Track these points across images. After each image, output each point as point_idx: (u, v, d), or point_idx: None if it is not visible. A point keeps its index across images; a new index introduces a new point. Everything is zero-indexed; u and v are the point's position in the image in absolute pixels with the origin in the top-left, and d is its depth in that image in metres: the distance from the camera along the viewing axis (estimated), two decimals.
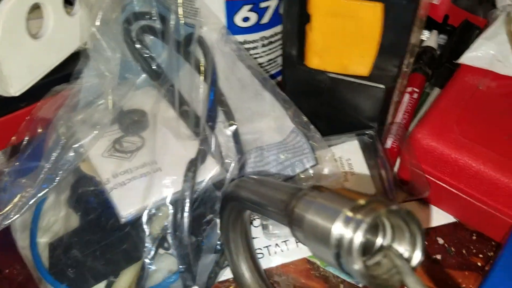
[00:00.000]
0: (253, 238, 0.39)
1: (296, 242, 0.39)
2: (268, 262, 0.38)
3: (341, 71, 0.34)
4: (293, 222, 0.23)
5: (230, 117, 0.36)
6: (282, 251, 0.39)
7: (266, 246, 0.39)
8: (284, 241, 0.39)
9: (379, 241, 0.21)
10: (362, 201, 0.20)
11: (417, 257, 0.20)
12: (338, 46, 0.32)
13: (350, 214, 0.19)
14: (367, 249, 0.22)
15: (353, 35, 0.31)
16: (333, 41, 0.32)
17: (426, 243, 0.39)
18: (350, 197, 0.21)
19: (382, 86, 0.34)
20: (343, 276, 0.37)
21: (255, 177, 0.33)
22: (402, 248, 0.20)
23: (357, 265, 0.19)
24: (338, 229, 0.19)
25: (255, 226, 0.40)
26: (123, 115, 0.38)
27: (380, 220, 0.21)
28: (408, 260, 0.20)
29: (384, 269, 0.20)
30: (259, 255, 0.39)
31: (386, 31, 0.31)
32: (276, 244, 0.39)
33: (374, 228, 0.21)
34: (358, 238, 0.18)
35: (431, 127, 0.35)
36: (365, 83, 0.34)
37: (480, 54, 0.37)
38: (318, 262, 0.38)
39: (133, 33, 0.38)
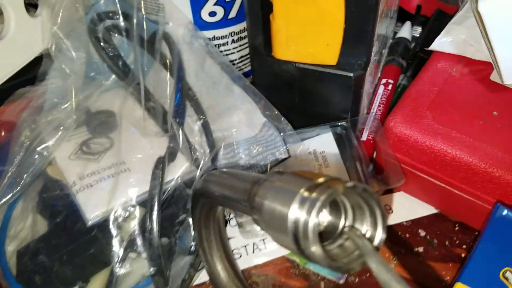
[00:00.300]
0: (230, 238, 0.38)
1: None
2: (246, 262, 0.37)
3: (309, 60, 0.33)
4: (254, 211, 0.22)
5: (199, 112, 0.35)
6: (260, 250, 0.38)
7: (244, 246, 0.38)
8: (262, 240, 0.38)
9: (341, 223, 0.20)
10: (320, 180, 0.19)
11: (379, 235, 0.19)
12: (303, 34, 0.31)
13: (306, 194, 0.18)
14: (330, 233, 0.21)
15: (317, 22, 0.30)
16: (298, 29, 0.31)
17: (408, 235, 0.38)
18: (309, 177, 0.20)
19: (350, 74, 0.33)
20: (323, 273, 0.36)
21: (224, 169, 0.32)
22: (364, 228, 0.19)
23: (314, 247, 0.18)
24: (294, 212, 0.18)
25: (232, 226, 0.39)
26: (91, 117, 0.37)
27: (340, 200, 0.20)
28: (371, 239, 0.19)
29: (347, 252, 0.20)
30: (237, 256, 0.37)
31: (349, 17, 0.30)
32: (254, 243, 0.38)
33: (336, 210, 0.21)
34: (313, 219, 0.17)
35: (404, 114, 0.34)
36: (334, 72, 0.33)
37: (451, 39, 0.36)
38: (297, 260, 0.37)
39: (100, 33, 0.37)
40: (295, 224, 0.18)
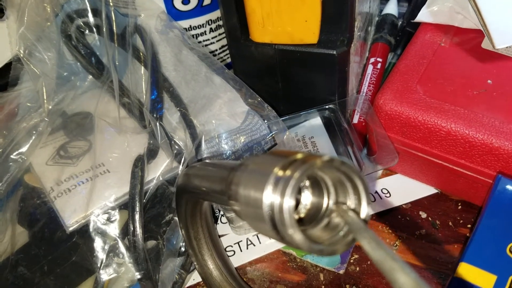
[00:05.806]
0: (223, 235, 0.37)
1: None
2: (241, 259, 0.35)
3: (288, 41, 0.31)
4: (232, 200, 0.20)
5: (178, 103, 0.33)
6: (254, 245, 0.36)
7: (237, 242, 0.36)
8: (256, 235, 0.36)
9: (325, 202, 0.18)
10: (295, 156, 0.17)
11: (364, 208, 0.17)
12: (279, 12, 0.30)
13: (280, 173, 0.16)
14: (314, 216, 0.19)
15: None
16: (273, 7, 0.29)
17: (408, 219, 0.36)
18: (285, 155, 0.18)
19: (333, 52, 0.31)
20: (321, 264, 0.34)
21: (207, 161, 0.30)
22: (348, 204, 0.17)
23: (291, 230, 0.16)
24: (268, 196, 0.16)
25: (223, 223, 0.37)
26: (67, 120, 0.36)
27: (321, 178, 0.18)
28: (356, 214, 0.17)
29: (333, 232, 0.18)
30: (230, 253, 0.36)
31: None
32: (248, 239, 0.36)
33: (319, 191, 0.19)
34: (287, 201, 0.16)
35: (393, 91, 0.33)
36: (315, 50, 0.31)
37: (436, 8, 0.34)
38: (294, 253, 0.35)
39: (71, 32, 0.35)
40: (271, 209, 0.16)
